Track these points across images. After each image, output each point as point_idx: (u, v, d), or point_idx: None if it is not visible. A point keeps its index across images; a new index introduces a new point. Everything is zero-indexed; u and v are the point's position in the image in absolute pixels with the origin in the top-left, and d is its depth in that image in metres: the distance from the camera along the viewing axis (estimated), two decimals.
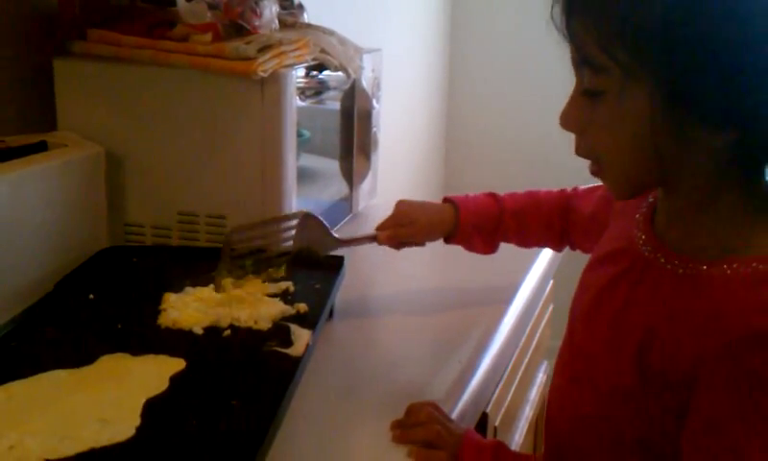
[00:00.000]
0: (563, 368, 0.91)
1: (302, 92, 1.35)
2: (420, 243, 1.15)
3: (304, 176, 1.28)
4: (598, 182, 1.01)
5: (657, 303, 0.76)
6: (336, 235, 1.13)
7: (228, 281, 1.03)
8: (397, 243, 1.14)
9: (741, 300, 0.70)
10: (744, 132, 0.69)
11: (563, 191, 1.16)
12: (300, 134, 1.29)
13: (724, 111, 0.68)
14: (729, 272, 0.72)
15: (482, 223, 1.13)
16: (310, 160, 1.38)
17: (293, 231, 1.10)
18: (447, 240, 1.15)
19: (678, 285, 0.75)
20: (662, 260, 0.78)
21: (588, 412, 0.84)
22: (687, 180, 0.74)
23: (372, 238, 1.13)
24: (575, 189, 1.15)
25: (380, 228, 1.14)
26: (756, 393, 0.67)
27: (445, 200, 1.17)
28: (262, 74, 1.11)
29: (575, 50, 0.74)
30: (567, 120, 0.78)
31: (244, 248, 1.06)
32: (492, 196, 1.15)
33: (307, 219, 1.10)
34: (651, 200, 0.84)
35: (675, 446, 0.74)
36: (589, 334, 0.84)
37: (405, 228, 1.13)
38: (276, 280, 1.07)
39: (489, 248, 1.16)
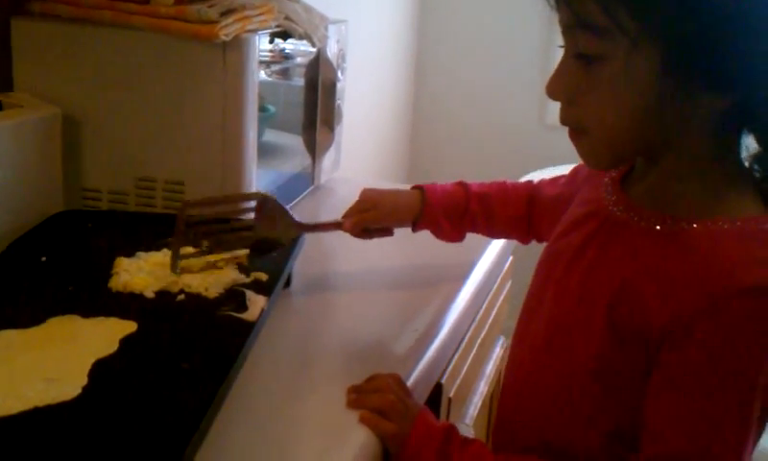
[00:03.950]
0: (523, 338, 0.91)
1: (267, 66, 1.34)
2: (388, 229, 1.14)
3: (268, 150, 1.26)
4: (561, 172, 1.02)
5: (628, 258, 0.76)
6: (298, 220, 1.09)
7: (181, 263, 1.00)
8: (362, 229, 1.11)
9: (727, 255, 0.70)
10: (748, 93, 0.69)
11: (529, 182, 1.16)
12: (265, 109, 1.28)
13: (732, 74, 0.68)
14: (714, 229, 0.72)
15: (449, 207, 1.12)
16: (275, 136, 1.37)
17: (251, 214, 1.06)
18: (415, 227, 1.13)
19: (654, 242, 0.75)
20: (636, 218, 0.78)
21: (551, 381, 0.83)
22: (684, 143, 0.74)
23: (338, 225, 1.11)
24: (540, 181, 1.15)
25: (345, 215, 1.12)
26: (736, 344, 0.68)
27: (414, 188, 1.15)
28: (224, 38, 1.09)
29: (571, 14, 0.71)
30: (556, 89, 0.76)
31: (199, 225, 1.02)
32: (460, 183, 1.15)
33: (266, 202, 1.06)
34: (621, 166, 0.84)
35: (638, 415, 0.74)
36: (560, 299, 0.84)
37: (369, 212, 1.10)
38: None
39: (456, 233, 1.15)
